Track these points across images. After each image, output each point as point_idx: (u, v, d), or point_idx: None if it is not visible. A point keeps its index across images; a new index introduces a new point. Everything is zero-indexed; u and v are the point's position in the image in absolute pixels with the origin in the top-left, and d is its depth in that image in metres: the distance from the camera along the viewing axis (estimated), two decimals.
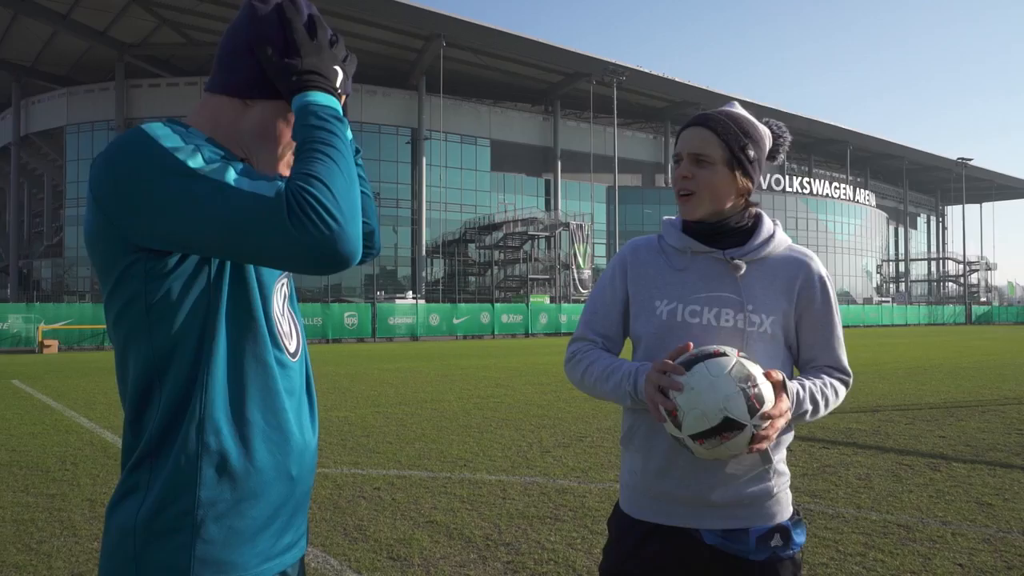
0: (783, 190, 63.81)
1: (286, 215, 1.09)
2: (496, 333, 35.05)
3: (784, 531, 1.66)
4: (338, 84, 1.27)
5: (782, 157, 1.83)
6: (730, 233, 1.70)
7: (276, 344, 1.28)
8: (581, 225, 49.28)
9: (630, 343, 1.82)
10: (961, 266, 78.93)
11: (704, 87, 56.56)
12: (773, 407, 1.51)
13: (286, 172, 1.35)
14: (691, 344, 1.57)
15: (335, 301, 37.64)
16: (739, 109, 1.75)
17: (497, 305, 36.68)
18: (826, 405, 1.67)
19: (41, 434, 8.04)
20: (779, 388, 1.55)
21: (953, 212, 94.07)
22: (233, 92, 1.29)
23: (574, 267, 48.37)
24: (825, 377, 1.70)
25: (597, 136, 56.57)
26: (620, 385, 1.66)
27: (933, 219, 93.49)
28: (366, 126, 50.71)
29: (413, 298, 41.95)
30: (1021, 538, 4.29)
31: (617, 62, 49.99)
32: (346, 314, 30.92)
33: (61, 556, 4.05)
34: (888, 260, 79.86)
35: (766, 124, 1.77)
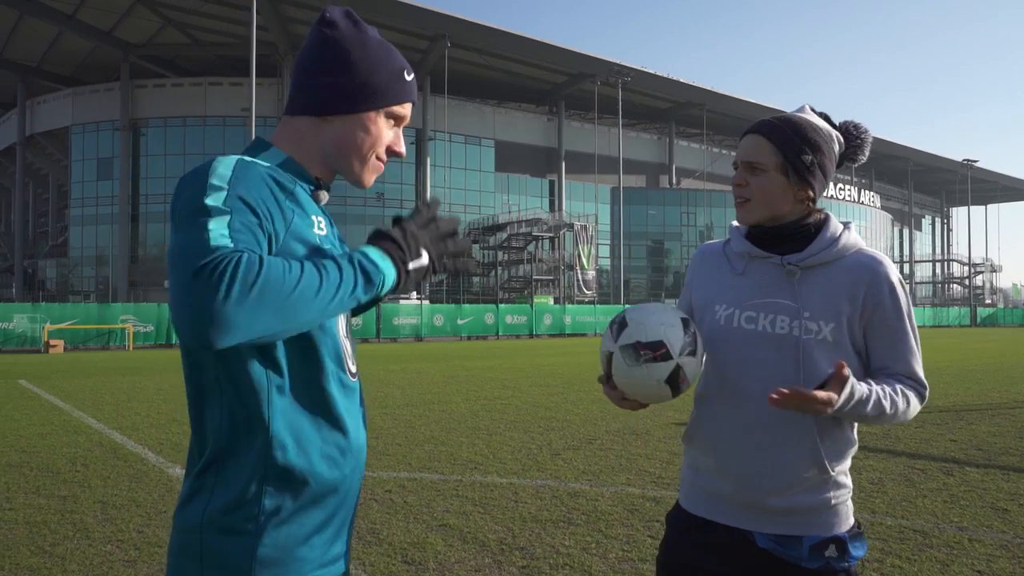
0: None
1: (199, 265, 1.06)
2: (500, 334, 35.04)
3: (840, 543, 1.63)
4: (412, 264, 1.28)
5: (863, 158, 1.79)
6: (790, 238, 1.69)
7: (341, 366, 1.35)
8: (585, 226, 49.25)
9: None
10: (966, 268, 78.76)
11: (708, 87, 56.55)
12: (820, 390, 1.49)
13: (372, 179, 1.43)
14: None
15: None
16: (807, 114, 1.72)
17: (501, 306, 36.68)
18: (894, 409, 1.60)
19: (50, 435, 8.04)
20: (839, 382, 1.50)
21: (958, 214, 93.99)
22: (311, 111, 1.37)
23: (578, 268, 48.34)
24: (896, 384, 1.63)
25: (601, 137, 56.54)
26: None
27: (938, 221, 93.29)
28: None
29: (417, 298, 41.97)
30: None
31: (621, 63, 50.00)
32: None
33: (75, 559, 4.04)
34: (893, 262, 79.62)
35: (843, 126, 1.74)
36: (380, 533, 4.47)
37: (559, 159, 57.94)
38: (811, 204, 1.70)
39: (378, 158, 1.41)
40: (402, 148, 1.45)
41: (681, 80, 55.29)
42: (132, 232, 50.43)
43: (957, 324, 60.39)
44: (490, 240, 51.39)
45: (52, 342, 25.13)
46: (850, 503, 1.68)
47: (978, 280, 79.33)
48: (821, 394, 1.49)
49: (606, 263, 58.13)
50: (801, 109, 1.74)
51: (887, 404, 1.59)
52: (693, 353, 1.58)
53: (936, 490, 5.47)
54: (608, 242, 58.49)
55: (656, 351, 1.56)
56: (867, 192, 71.72)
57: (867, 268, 1.64)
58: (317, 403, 1.30)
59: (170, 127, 50.33)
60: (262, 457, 1.24)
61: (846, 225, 1.71)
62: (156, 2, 43.99)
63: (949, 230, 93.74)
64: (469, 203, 54.04)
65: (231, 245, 1.10)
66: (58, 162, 56.90)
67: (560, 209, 55.33)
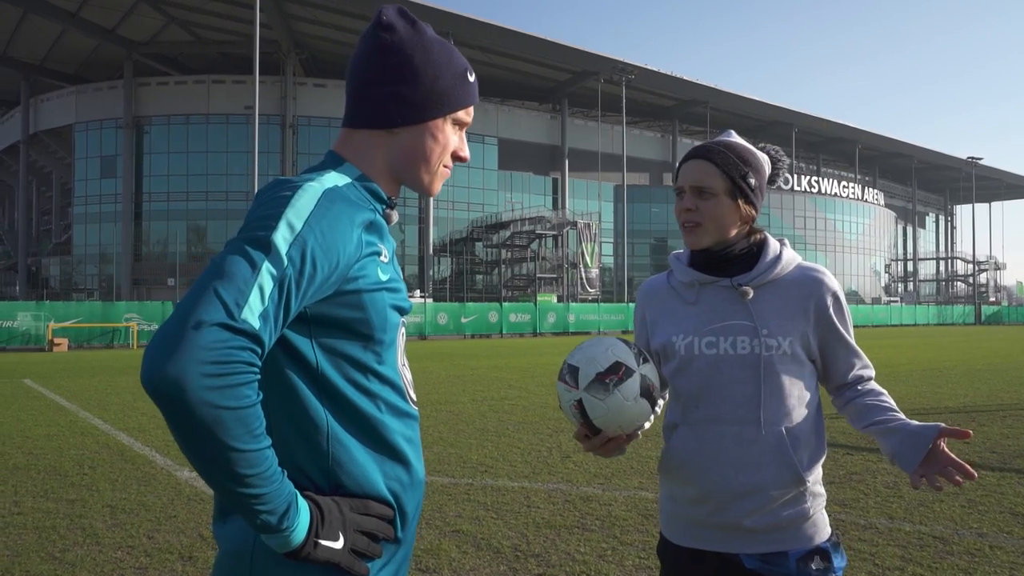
0: (791, 189, 63.56)
1: (219, 323, 1.02)
2: (504, 332, 35.00)
3: (824, 553, 1.67)
4: (323, 542, 1.15)
5: (781, 181, 1.87)
6: (736, 260, 1.73)
7: (402, 395, 1.31)
8: (589, 224, 49.19)
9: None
10: (970, 266, 78.57)
11: (712, 85, 56.43)
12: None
13: (439, 187, 1.39)
14: None
15: None
16: (736, 138, 1.78)
17: (505, 304, 36.64)
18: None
19: (57, 436, 8.00)
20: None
21: (962, 211, 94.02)
22: (375, 124, 1.32)
23: (581, 266, 48.28)
24: (880, 390, 1.76)
25: (605, 135, 56.44)
26: None
27: (942, 218, 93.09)
28: None
29: (421, 297, 41.94)
30: None
31: (625, 60, 49.88)
32: None
33: (86, 566, 4.00)
34: (896, 259, 79.54)
35: (763, 149, 1.80)
36: None
37: (562, 157, 57.85)
38: (751, 225, 1.76)
39: (444, 165, 1.37)
40: (467, 152, 1.40)
41: (685, 78, 55.16)
42: (135, 230, 50.45)
43: (961, 322, 60.24)
44: (493, 238, 51.33)
45: (56, 340, 25.15)
46: (825, 513, 1.71)
47: (982, 278, 79.12)
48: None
49: (609, 261, 58.05)
50: (728, 134, 1.79)
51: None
52: (647, 360, 1.63)
53: (953, 494, 5.40)
54: (611, 240, 58.41)
55: (618, 372, 1.57)
56: (871, 190, 71.53)
57: (813, 281, 1.72)
58: (377, 434, 1.25)
59: (173, 125, 50.30)
60: (318, 488, 1.19)
61: (782, 242, 1.77)
62: (159, 0, 43.95)
63: (953, 228, 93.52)
64: (472, 201, 53.97)
65: (255, 328, 1.05)
66: (62, 160, 56.91)
67: (563, 207, 55.26)
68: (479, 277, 54.20)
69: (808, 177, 66.03)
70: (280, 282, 1.08)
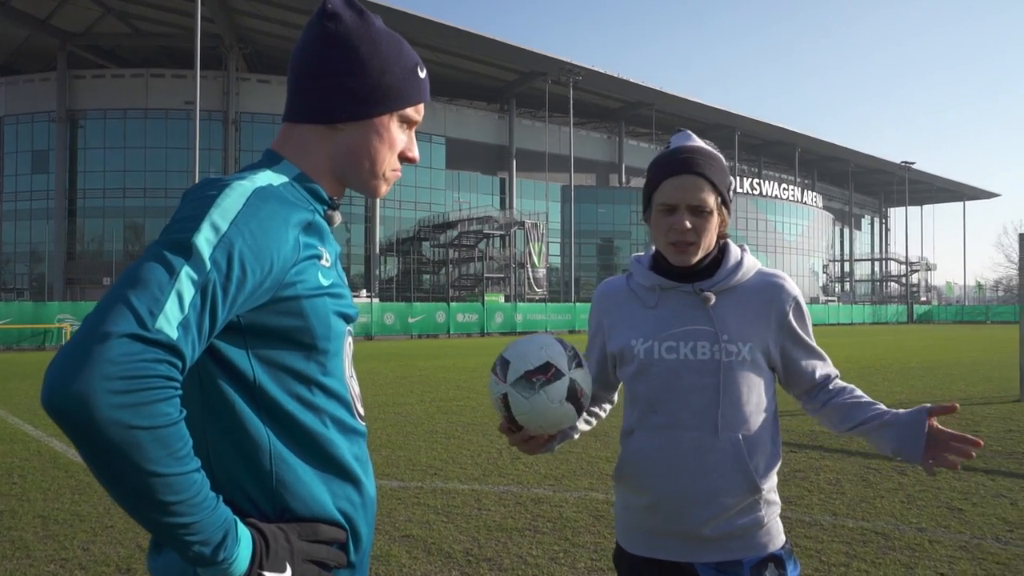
0: (734, 191, 64.49)
1: (130, 333, 0.91)
2: (452, 332, 34.86)
3: (778, 560, 1.67)
4: (267, 574, 1.05)
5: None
6: (699, 265, 1.70)
7: (349, 409, 1.23)
8: (536, 224, 49.34)
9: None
10: (903, 266, 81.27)
11: (657, 88, 57.16)
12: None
13: (386, 190, 1.30)
14: None
15: None
16: (697, 140, 1.73)
17: (453, 304, 36.50)
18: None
19: None
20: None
21: (896, 214, 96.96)
22: (317, 118, 1.22)
23: (529, 266, 48.41)
24: (851, 389, 1.77)
25: (552, 135, 56.68)
26: None
27: (877, 221, 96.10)
28: None
29: (367, 296, 41.47)
30: (996, 544, 4.34)
31: (573, 62, 50.17)
32: None
33: None
34: (834, 260, 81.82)
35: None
36: None
37: (510, 157, 57.91)
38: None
39: (392, 168, 1.28)
40: (416, 153, 1.31)
41: (630, 80, 55.75)
42: (69, 227, 48.73)
43: (895, 321, 62.29)
44: (440, 238, 51.11)
45: None
46: (779, 521, 1.71)
47: (914, 278, 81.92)
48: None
49: (556, 261, 58.33)
50: (688, 136, 1.73)
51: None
52: (580, 365, 1.59)
53: (893, 490, 5.55)
54: (558, 240, 58.70)
55: (547, 373, 1.55)
56: (810, 192, 73.40)
57: (773, 287, 1.70)
58: (323, 451, 1.16)
59: (110, 119, 48.75)
60: (263, 513, 1.10)
61: (742, 248, 1.76)
62: None
63: (887, 229, 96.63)
64: (419, 200, 53.64)
65: (171, 338, 0.94)
66: None
67: (511, 207, 55.31)
68: (426, 277, 53.89)
69: (750, 179, 67.43)
70: (203, 288, 0.98)
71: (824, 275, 77.83)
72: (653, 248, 1.80)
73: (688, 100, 59.62)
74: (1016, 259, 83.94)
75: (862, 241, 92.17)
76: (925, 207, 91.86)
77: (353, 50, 1.21)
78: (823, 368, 1.75)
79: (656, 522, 1.67)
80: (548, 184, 57.99)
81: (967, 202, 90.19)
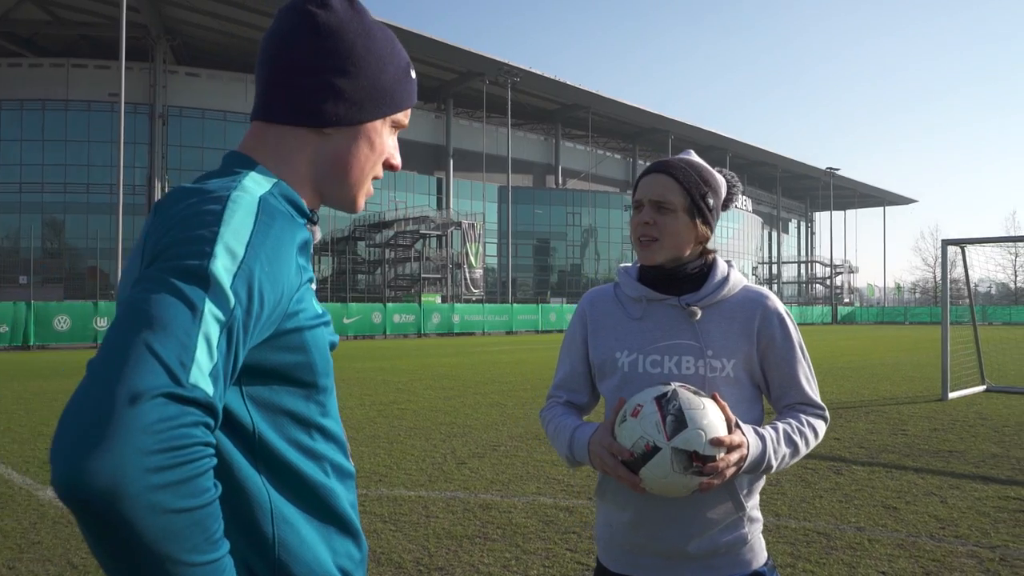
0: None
1: (164, 393, 0.75)
2: (388, 333, 34.49)
3: None
4: None
5: (733, 205, 1.85)
6: (686, 279, 1.70)
7: (343, 451, 1.09)
8: (473, 224, 49.25)
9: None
10: (828, 269, 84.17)
11: (594, 91, 57.69)
12: (725, 434, 1.49)
13: (364, 203, 1.17)
14: (624, 399, 1.59)
15: None
16: (696, 157, 1.76)
17: (389, 305, 36.12)
18: (806, 444, 1.67)
19: None
20: (731, 426, 1.53)
21: (821, 218, 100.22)
22: (303, 121, 1.07)
23: (466, 266, 48.29)
24: (800, 415, 1.69)
25: (490, 136, 56.68)
26: (562, 449, 1.70)
27: (803, 224, 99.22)
28: (247, 116, 48.84)
29: None
30: (930, 542, 4.50)
31: (511, 63, 50.25)
32: None
33: None
34: (763, 263, 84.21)
35: (720, 173, 1.79)
36: None
37: (447, 157, 57.65)
38: (705, 246, 1.74)
39: (374, 176, 1.15)
40: (399, 160, 1.18)
41: (567, 82, 56.15)
42: None
43: (820, 322, 64.42)
44: (377, 238, 50.52)
45: None
46: (762, 537, 1.72)
47: (838, 280, 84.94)
48: (726, 441, 1.48)
49: (493, 262, 58.35)
50: (688, 153, 1.78)
51: (800, 442, 1.65)
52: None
53: (830, 490, 5.70)
54: (495, 241, 58.74)
55: (705, 464, 1.46)
56: (740, 196, 75.36)
57: (757, 303, 1.69)
58: (325, 504, 1.02)
59: (28, 110, 46.54)
60: (263, 572, 0.96)
61: (729, 264, 1.77)
62: None
63: (813, 233, 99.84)
64: None
65: (208, 395, 0.79)
66: None
67: (448, 207, 55.05)
68: (362, 277, 53.17)
69: None
70: (228, 328, 0.83)
71: (754, 277, 79.96)
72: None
73: (624, 104, 60.40)
74: (932, 262, 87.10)
75: (789, 244, 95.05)
76: (848, 212, 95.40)
77: (348, 45, 1.07)
78: (795, 395, 1.71)
79: (639, 539, 1.65)
80: (485, 185, 57.97)
81: (887, 207, 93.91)
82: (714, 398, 1.53)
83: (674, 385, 1.54)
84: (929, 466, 6.60)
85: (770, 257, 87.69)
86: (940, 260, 12.37)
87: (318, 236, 1.17)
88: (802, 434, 1.66)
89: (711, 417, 1.48)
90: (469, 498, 5.48)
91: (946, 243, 12.30)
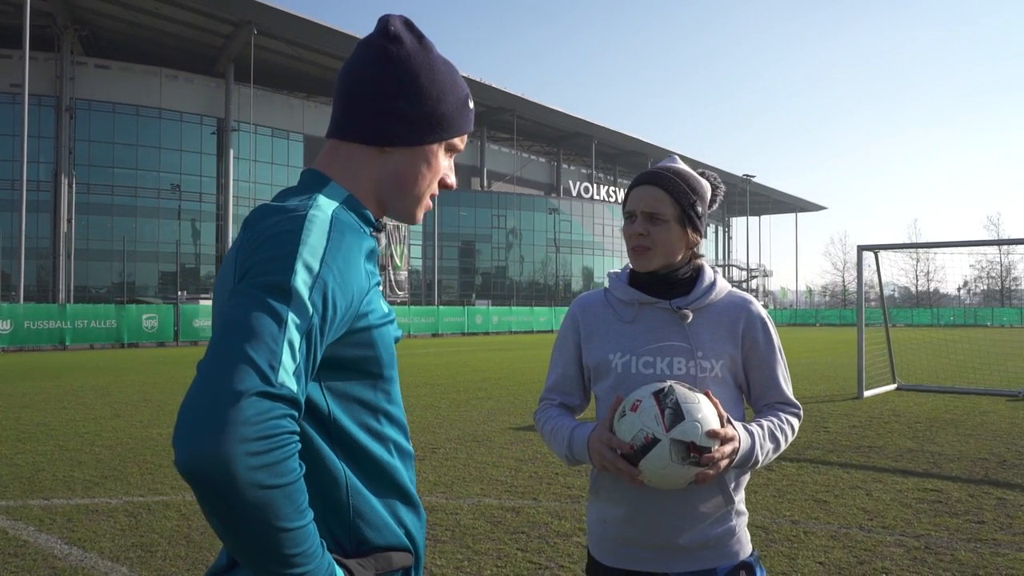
0: (591, 198, 67.04)
1: (259, 391, 0.92)
2: None
3: (748, 567, 1.74)
4: None
5: (716, 207, 1.90)
6: (675, 283, 1.77)
7: (405, 433, 1.24)
8: (398, 226, 48.78)
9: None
10: (744, 272, 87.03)
11: (519, 95, 58.06)
12: (720, 427, 1.56)
13: (420, 217, 1.32)
14: (621, 396, 1.63)
15: (130, 302, 34.48)
16: (681, 164, 1.82)
17: None
18: (785, 440, 1.78)
19: None
20: (723, 420, 1.60)
21: (737, 223, 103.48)
22: (368, 139, 1.22)
23: (391, 268, 47.81)
24: (780, 414, 1.78)
25: None
26: (560, 448, 1.74)
27: (721, 229, 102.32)
28: (166, 113, 47.20)
29: None
30: (860, 533, 4.72)
31: None
32: (144, 316, 28.41)
33: None
34: None
35: (703, 176, 1.84)
36: None
37: None
38: (694, 251, 1.81)
39: (431, 195, 1.30)
40: (453, 180, 1.33)
41: (493, 86, 56.34)
42: None
43: None
44: None
45: None
46: (747, 530, 1.79)
47: (753, 284, 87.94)
48: (721, 433, 1.56)
49: (418, 263, 58.01)
50: (673, 160, 1.84)
51: (781, 438, 1.74)
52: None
53: (764, 485, 5.90)
54: (420, 243, 58.41)
55: (702, 455, 1.52)
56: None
57: (742, 308, 1.78)
58: (391, 479, 1.18)
59: None
60: (341, 547, 1.11)
61: (714, 269, 1.84)
62: None
63: (730, 238, 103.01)
64: None
65: (294, 391, 0.95)
66: None
67: None
68: None
69: (606, 187, 69.99)
70: (307, 333, 0.99)
71: None
72: (629, 265, 1.85)
73: (549, 108, 61.00)
74: (841, 267, 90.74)
75: (708, 248, 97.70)
76: (763, 217, 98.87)
77: (412, 75, 1.22)
78: (774, 395, 1.80)
79: (633, 533, 1.70)
80: None
81: (799, 214, 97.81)
82: (706, 394, 1.59)
83: (670, 382, 1.61)
84: (852, 461, 6.92)
85: None
86: (856, 264, 12.96)
87: (383, 243, 1.22)
88: (783, 431, 1.75)
89: (706, 411, 1.55)
90: None
91: (861, 248, 12.89)
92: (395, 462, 1.19)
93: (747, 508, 1.82)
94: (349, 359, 1.12)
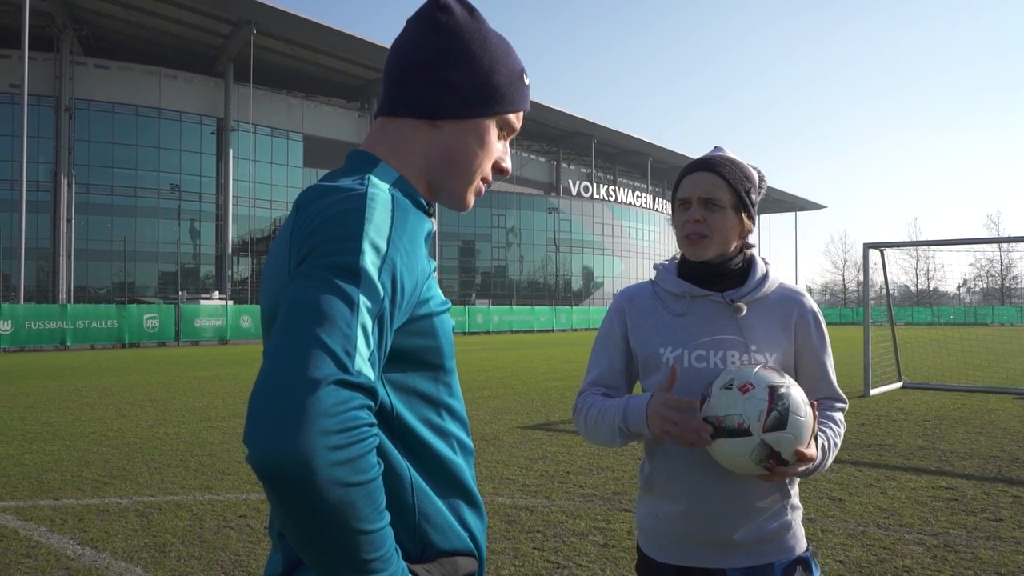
0: (591, 197, 67.00)
1: (337, 379, 0.85)
2: None
3: (805, 563, 1.71)
4: None
5: (760, 197, 1.86)
6: (727, 275, 1.72)
7: (467, 430, 1.17)
8: None
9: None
10: None
11: None
12: (806, 447, 1.52)
13: (473, 201, 1.23)
14: (676, 368, 1.58)
15: (130, 302, 34.41)
16: (729, 152, 1.78)
17: None
18: (838, 445, 1.74)
19: None
20: (814, 438, 1.57)
21: None
22: (418, 112, 1.15)
23: None
24: (834, 415, 1.75)
25: None
26: (610, 425, 1.66)
27: None
28: (165, 113, 47.12)
29: (220, 298, 39.46)
30: (878, 531, 4.69)
31: None
32: (146, 316, 28.38)
33: None
34: (673, 262, 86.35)
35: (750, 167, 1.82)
36: (247, 566, 4.04)
37: None
38: (746, 241, 1.78)
39: (484, 178, 1.20)
40: (509, 165, 1.24)
41: None
42: None
43: None
44: None
45: None
46: (802, 525, 1.76)
47: None
48: (807, 455, 1.53)
49: None
50: (720, 149, 1.79)
51: (839, 444, 1.72)
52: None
53: None
54: None
55: (779, 465, 1.51)
56: (660, 200, 77.07)
57: (794, 301, 1.74)
58: (453, 478, 1.10)
59: None
60: (407, 552, 1.03)
61: (766, 261, 1.79)
62: None
63: None
64: (275, 199, 51.66)
65: (371, 379, 0.88)
66: None
67: None
68: None
69: (606, 186, 69.93)
70: (379, 317, 0.92)
71: None
72: (677, 256, 1.81)
73: (550, 108, 60.93)
74: (841, 266, 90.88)
75: None
76: (762, 216, 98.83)
77: (464, 44, 1.15)
78: (825, 389, 1.77)
79: (688, 530, 1.67)
80: None
81: (798, 213, 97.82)
82: (813, 407, 1.55)
83: (789, 380, 1.56)
84: (864, 459, 6.89)
85: None
86: (862, 262, 12.93)
87: (434, 228, 1.19)
88: (836, 444, 1.72)
89: (806, 430, 1.52)
90: None
91: (867, 246, 12.86)
92: (458, 459, 1.11)
93: None
94: (409, 349, 1.04)
